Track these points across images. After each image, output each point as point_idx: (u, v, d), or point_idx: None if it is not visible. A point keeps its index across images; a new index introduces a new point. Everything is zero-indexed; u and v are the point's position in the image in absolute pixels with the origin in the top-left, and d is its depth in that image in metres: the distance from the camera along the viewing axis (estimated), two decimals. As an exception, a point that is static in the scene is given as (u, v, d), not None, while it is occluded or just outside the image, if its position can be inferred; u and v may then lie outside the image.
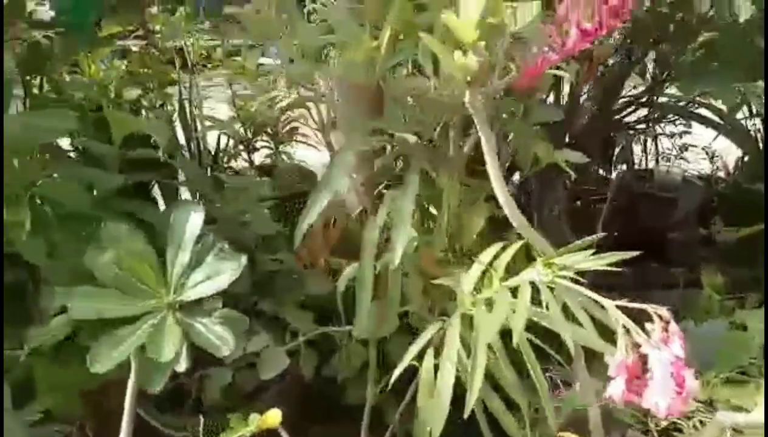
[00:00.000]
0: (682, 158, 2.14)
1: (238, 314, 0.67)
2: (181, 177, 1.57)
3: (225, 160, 1.82)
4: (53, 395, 1.02)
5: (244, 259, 0.63)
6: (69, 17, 1.05)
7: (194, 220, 0.64)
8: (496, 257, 0.59)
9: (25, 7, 0.87)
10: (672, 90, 1.63)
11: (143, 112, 1.53)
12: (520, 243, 0.59)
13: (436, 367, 0.64)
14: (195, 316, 0.62)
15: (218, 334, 0.60)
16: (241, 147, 1.88)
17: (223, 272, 0.61)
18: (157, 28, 1.57)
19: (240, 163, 2.00)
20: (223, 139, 1.87)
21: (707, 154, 2.04)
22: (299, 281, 1.20)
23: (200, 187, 1.49)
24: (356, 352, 1.02)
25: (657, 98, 1.58)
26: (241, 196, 1.43)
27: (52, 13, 0.87)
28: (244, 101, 1.83)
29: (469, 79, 0.46)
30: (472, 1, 0.46)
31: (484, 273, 0.61)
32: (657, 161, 2.12)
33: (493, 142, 0.51)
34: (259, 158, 2.01)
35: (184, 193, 1.54)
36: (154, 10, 1.57)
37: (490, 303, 0.55)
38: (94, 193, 1.12)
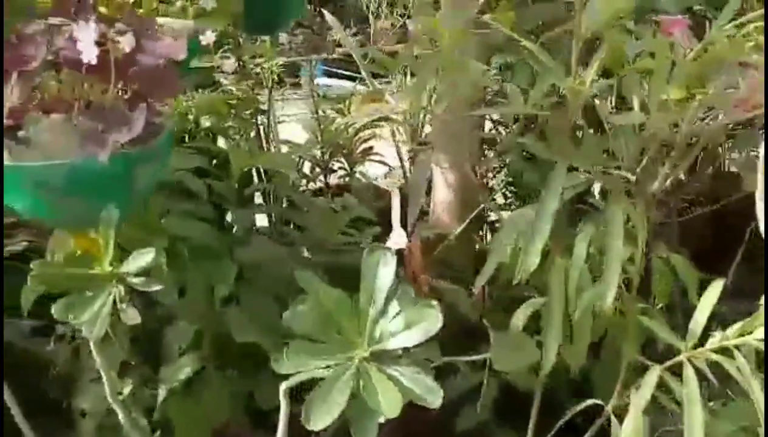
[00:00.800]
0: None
1: (423, 360, 0.65)
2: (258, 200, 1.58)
3: (305, 182, 1.83)
4: (189, 431, 1.02)
5: (438, 306, 0.62)
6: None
7: (386, 266, 0.62)
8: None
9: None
10: None
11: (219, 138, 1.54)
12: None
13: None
14: (392, 366, 0.60)
15: (426, 385, 0.58)
16: (317, 169, 1.88)
17: (421, 321, 0.60)
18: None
19: (311, 184, 2.00)
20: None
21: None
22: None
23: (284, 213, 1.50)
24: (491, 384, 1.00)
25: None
26: (337, 218, 1.43)
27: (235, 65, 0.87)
28: (324, 124, 1.83)
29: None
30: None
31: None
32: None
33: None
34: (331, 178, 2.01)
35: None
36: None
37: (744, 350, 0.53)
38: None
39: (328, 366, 0.61)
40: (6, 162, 0.59)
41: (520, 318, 0.72)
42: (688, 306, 0.94)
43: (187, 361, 1.03)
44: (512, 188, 1.36)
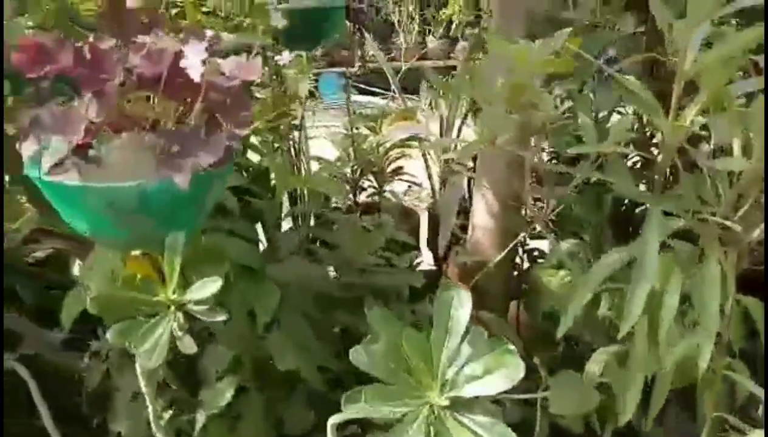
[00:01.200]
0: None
1: (493, 406, 0.61)
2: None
3: (334, 201, 1.80)
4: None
5: (514, 349, 0.58)
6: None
7: (462, 308, 0.59)
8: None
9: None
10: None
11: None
12: None
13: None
14: (465, 413, 0.57)
15: (501, 433, 0.55)
16: (347, 187, 1.86)
17: (501, 367, 0.56)
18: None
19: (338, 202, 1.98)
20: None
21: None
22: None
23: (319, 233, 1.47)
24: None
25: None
26: (370, 238, 1.40)
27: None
28: (357, 142, 1.82)
29: None
30: None
31: None
32: None
33: None
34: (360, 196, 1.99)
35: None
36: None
37: None
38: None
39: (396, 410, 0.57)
40: (74, 182, 0.57)
41: (594, 366, 0.68)
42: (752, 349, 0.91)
43: (227, 386, 0.99)
44: (552, 217, 1.33)
